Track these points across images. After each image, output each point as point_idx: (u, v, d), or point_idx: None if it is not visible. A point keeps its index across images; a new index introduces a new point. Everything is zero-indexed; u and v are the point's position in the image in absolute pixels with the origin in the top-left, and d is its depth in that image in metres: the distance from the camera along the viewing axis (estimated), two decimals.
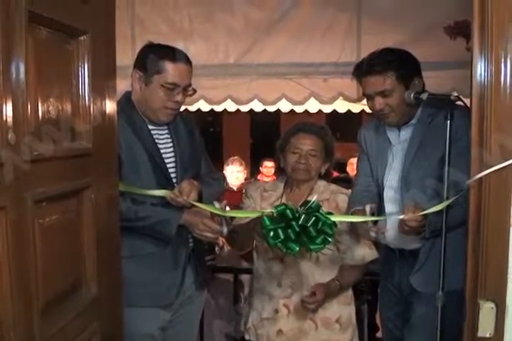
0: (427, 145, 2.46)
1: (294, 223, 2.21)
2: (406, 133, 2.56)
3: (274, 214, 2.24)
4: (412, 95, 2.31)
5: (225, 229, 2.36)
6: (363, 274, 2.73)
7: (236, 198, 3.88)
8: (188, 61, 2.44)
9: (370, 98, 2.51)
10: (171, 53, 2.40)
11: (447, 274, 2.10)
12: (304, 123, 2.76)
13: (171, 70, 2.38)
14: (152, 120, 2.48)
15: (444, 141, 2.17)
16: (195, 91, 2.51)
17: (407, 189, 2.50)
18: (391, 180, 2.59)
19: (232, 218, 2.56)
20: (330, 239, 2.24)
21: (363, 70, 2.50)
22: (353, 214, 2.46)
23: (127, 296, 2.04)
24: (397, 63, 2.44)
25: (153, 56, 2.39)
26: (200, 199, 2.45)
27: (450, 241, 2.13)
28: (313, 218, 2.22)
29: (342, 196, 2.65)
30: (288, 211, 2.22)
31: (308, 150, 2.60)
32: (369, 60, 2.50)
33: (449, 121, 2.11)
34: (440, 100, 2.32)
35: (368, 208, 2.32)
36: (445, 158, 2.22)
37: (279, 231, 2.20)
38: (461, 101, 2.22)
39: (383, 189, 2.62)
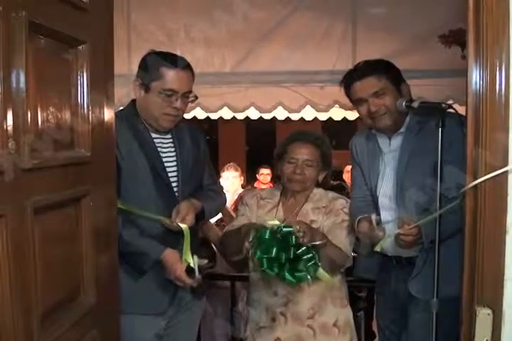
0: (418, 153, 2.48)
1: (292, 250, 2.19)
2: (396, 142, 2.58)
3: (280, 230, 2.22)
4: (403, 103, 2.34)
5: (195, 284, 2.36)
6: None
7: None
8: (188, 67, 2.44)
9: (362, 102, 2.53)
10: (169, 60, 2.40)
11: (445, 280, 2.11)
12: (301, 132, 2.74)
13: (168, 77, 2.38)
14: (155, 127, 2.48)
15: (435, 148, 2.21)
16: (196, 97, 2.50)
17: (403, 197, 2.51)
18: (385, 188, 2.61)
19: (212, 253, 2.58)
20: (303, 280, 2.25)
21: (354, 76, 2.54)
22: (360, 221, 2.49)
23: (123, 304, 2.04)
24: (386, 67, 2.53)
25: (151, 63, 2.39)
26: (201, 215, 2.49)
27: (448, 248, 2.15)
28: (311, 255, 2.21)
29: (340, 200, 2.65)
30: (293, 236, 2.20)
31: (304, 160, 2.60)
32: (358, 67, 2.58)
33: (440, 129, 2.14)
34: (432, 108, 2.34)
35: (373, 216, 2.40)
36: (437, 165, 2.26)
37: (273, 248, 2.20)
38: (453, 109, 2.24)
39: (377, 197, 2.64)
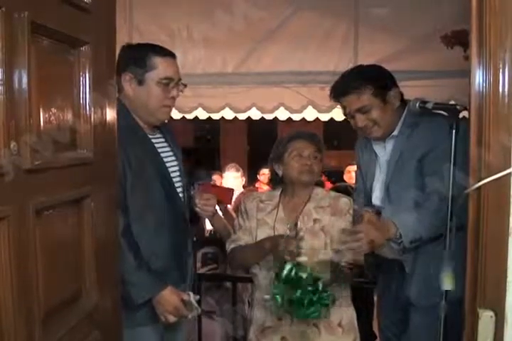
0: (406, 156, 2.50)
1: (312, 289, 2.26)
2: (390, 145, 2.59)
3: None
4: (417, 104, 2.30)
5: (190, 316, 2.36)
6: None
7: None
8: (173, 54, 2.43)
9: (350, 116, 2.55)
10: (157, 49, 2.40)
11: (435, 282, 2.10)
12: (298, 131, 2.77)
13: (161, 65, 2.36)
14: (151, 122, 2.44)
15: (424, 149, 2.33)
16: (185, 85, 2.47)
17: (389, 199, 2.53)
18: (377, 190, 2.66)
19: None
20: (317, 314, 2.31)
21: (338, 91, 2.55)
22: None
23: (132, 317, 2.13)
24: (369, 78, 2.50)
25: (141, 54, 2.36)
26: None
27: (437, 247, 2.15)
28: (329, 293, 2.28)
29: (344, 199, 2.64)
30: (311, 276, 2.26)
31: (310, 152, 2.61)
32: (342, 81, 2.57)
33: (454, 131, 2.08)
34: (446, 109, 2.29)
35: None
36: (424, 167, 2.39)
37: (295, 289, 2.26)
38: (468, 111, 2.21)
39: (371, 199, 2.68)
